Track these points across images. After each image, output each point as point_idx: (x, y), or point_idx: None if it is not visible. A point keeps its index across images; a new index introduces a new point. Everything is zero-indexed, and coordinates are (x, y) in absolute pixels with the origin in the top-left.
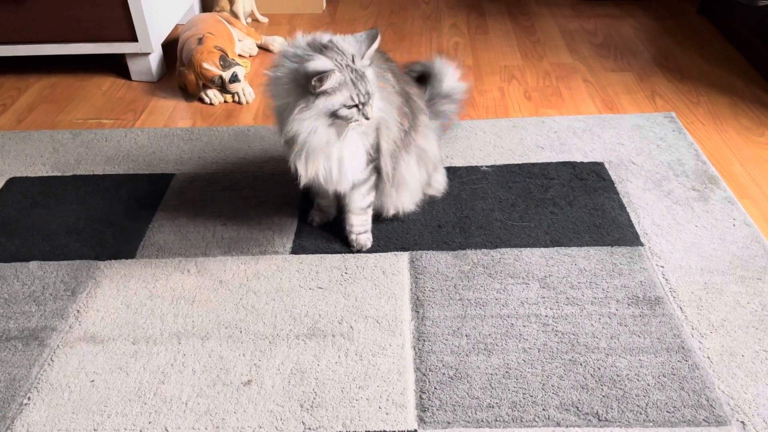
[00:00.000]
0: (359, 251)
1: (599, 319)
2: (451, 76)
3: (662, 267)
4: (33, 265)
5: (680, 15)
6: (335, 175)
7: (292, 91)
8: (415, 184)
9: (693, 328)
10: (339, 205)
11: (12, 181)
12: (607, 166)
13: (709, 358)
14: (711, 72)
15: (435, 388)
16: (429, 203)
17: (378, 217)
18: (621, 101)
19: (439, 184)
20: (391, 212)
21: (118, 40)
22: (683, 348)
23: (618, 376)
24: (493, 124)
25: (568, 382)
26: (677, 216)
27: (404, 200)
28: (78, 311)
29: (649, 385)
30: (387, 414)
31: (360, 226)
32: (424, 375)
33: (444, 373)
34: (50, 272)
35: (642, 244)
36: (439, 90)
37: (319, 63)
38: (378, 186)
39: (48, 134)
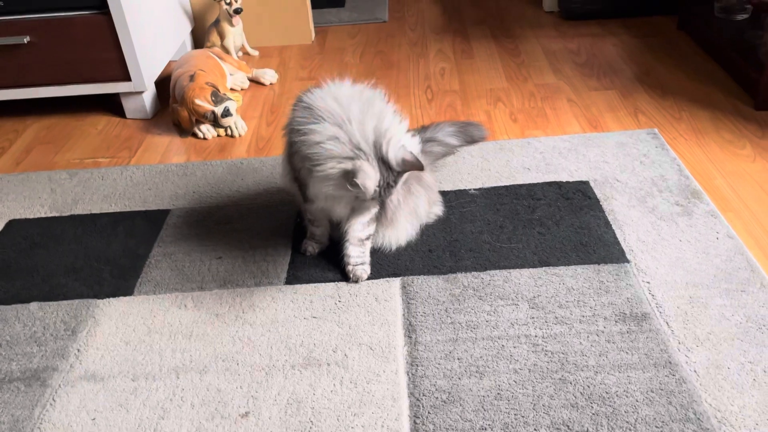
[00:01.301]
0: (356, 282)
1: (588, 337)
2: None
3: (648, 283)
4: (33, 306)
5: (661, 31)
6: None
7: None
8: (423, 217)
9: (679, 343)
10: (332, 234)
11: (11, 224)
12: (592, 184)
13: (695, 371)
14: (692, 87)
15: (429, 412)
16: (420, 228)
17: (377, 250)
18: (605, 119)
19: (434, 215)
20: (403, 243)
21: (112, 80)
22: (670, 363)
23: (607, 393)
24: (480, 147)
25: (558, 401)
26: (662, 231)
27: (411, 232)
28: (78, 350)
29: (637, 401)
30: None
31: (357, 257)
32: (417, 400)
33: (437, 397)
34: (50, 312)
35: (628, 261)
36: (429, 135)
37: (367, 176)
38: (380, 220)
39: (45, 175)
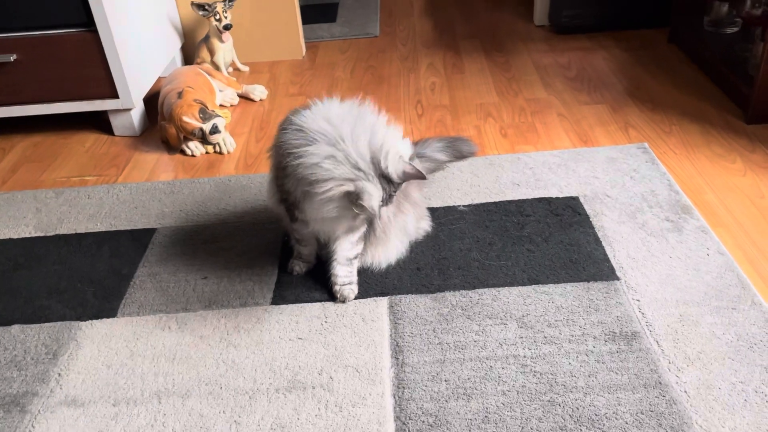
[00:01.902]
0: (343, 302)
1: (577, 357)
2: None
3: (638, 301)
4: (15, 329)
5: (651, 45)
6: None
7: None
8: (412, 233)
9: (670, 363)
10: (319, 253)
11: None
12: (582, 200)
13: (686, 392)
14: (682, 100)
15: None
16: (409, 246)
17: (366, 268)
18: (595, 134)
19: (423, 230)
20: (393, 261)
21: (99, 98)
22: (660, 383)
23: (596, 415)
24: (470, 163)
25: (546, 425)
26: (652, 248)
27: (401, 250)
28: (59, 374)
29: (627, 423)
30: None
31: (344, 277)
32: (404, 424)
33: (424, 421)
34: (32, 335)
35: (618, 278)
36: (418, 151)
37: (372, 197)
38: (370, 239)
39: (31, 194)
